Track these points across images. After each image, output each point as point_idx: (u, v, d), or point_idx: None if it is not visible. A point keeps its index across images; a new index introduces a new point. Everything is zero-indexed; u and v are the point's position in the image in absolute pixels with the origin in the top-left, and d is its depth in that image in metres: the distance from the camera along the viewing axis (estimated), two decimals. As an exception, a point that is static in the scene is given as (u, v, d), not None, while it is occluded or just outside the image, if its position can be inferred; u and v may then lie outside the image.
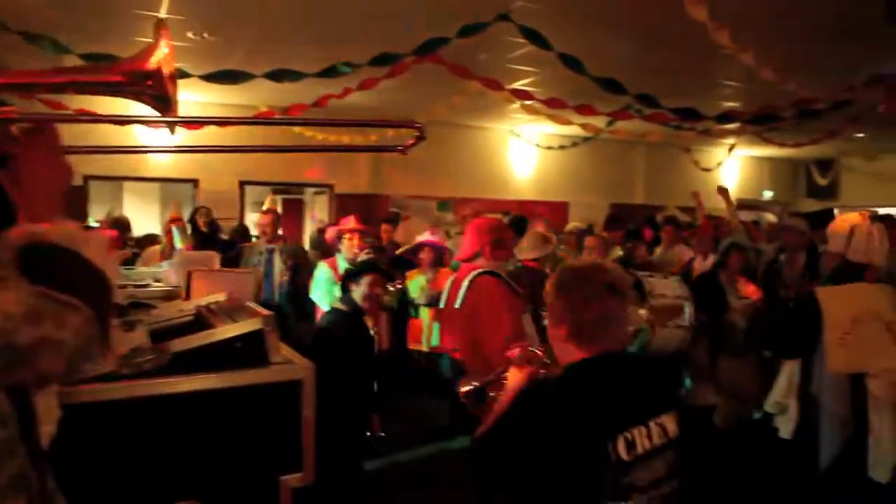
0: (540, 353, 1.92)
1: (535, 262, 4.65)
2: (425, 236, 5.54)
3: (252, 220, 8.04)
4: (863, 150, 11.02)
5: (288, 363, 1.82)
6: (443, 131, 9.88)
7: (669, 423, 1.65)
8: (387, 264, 5.60)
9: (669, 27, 4.66)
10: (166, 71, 1.19)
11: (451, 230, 7.83)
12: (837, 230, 3.43)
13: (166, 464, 1.67)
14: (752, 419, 4.62)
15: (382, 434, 4.81)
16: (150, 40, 1.21)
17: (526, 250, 4.70)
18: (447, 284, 3.40)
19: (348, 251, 4.52)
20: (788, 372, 3.62)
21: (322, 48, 5.66)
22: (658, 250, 6.78)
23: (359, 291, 3.38)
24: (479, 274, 2.94)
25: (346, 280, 3.50)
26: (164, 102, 1.21)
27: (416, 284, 5.14)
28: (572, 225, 6.57)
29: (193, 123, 4.50)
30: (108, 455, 1.60)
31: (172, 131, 1.51)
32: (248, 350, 1.79)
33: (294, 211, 11.59)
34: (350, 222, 4.73)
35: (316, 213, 10.30)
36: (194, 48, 5.80)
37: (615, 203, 11.47)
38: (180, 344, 1.70)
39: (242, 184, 9.10)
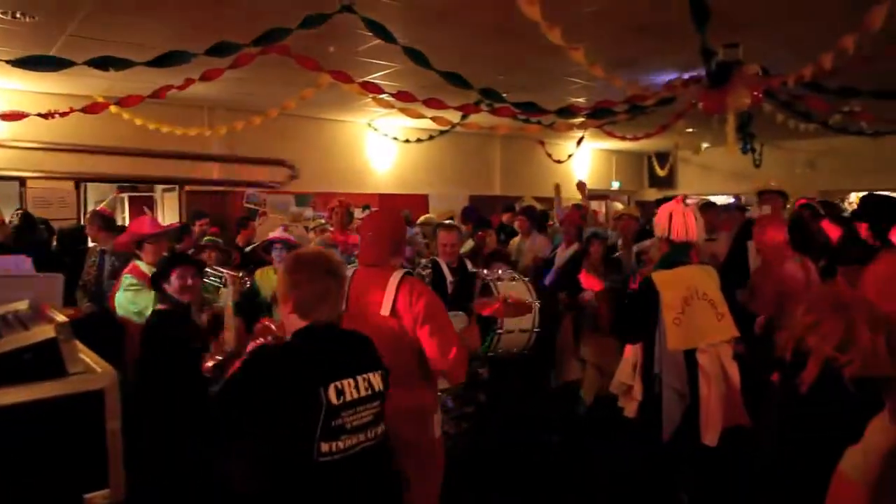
0: (275, 328, 2.24)
1: None
2: (278, 233, 5.42)
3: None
4: (692, 144, 12.03)
5: (88, 373, 1.68)
6: (299, 125, 9.65)
7: (375, 379, 2.02)
8: (236, 264, 5.42)
9: (515, 24, 4.81)
10: None
11: (310, 225, 7.68)
12: (659, 219, 3.72)
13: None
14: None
15: None
16: None
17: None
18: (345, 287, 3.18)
19: (152, 257, 4.14)
20: (632, 355, 3.83)
21: (159, 35, 5.32)
22: (515, 240, 7.03)
23: (172, 287, 3.26)
24: (406, 275, 2.73)
25: (156, 281, 3.33)
26: None
27: (267, 282, 4.99)
28: (425, 217, 6.66)
29: None
30: None
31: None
32: (41, 361, 1.63)
33: (142, 209, 10.82)
34: (144, 225, 4.33)
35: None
36: (6, 29, 5.24)
37: (474, 195, 11.76)
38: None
39: (79, 181, 8.37)
